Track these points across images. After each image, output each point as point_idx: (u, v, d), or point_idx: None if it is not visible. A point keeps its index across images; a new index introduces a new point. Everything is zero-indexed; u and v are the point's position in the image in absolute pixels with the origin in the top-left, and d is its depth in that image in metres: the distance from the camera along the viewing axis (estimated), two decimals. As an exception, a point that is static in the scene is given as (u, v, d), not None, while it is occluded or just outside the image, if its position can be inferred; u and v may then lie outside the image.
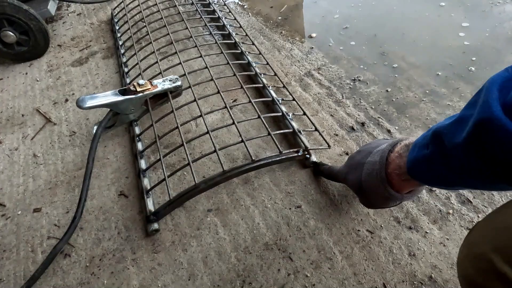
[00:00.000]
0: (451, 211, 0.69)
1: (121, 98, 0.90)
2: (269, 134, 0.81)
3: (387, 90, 0.95)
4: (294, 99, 0.94)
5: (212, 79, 0.96)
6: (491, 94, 0.31)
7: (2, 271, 0.77)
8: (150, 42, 1.18)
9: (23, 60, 1.41)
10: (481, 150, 0.32)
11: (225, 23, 1.25)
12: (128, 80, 1.15)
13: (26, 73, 1.36)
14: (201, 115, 0.87)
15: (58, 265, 0.76)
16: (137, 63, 1.12)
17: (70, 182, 0.92)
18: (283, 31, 1.24)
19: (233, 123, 0.83)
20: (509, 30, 1.04)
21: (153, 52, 1.12)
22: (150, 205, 0.79)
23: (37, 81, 1.31)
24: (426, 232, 0.67)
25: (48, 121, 1.12)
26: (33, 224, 0.85)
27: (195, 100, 0.90)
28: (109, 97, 0.89)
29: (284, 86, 0.99)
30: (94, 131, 0.92)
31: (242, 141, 0.79)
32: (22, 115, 1.17)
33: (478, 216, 0.67)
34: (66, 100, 1.18)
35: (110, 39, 1.43)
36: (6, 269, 0.78)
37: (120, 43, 1.32)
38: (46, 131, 1.09)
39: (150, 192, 0.81)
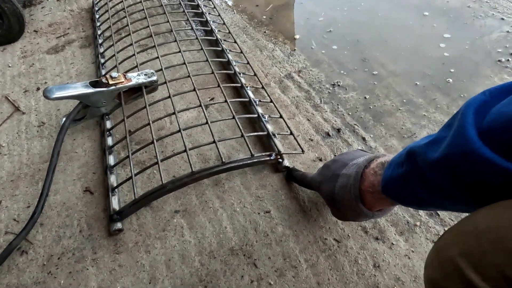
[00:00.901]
0: (418, 223, 0.69)
1: (91, 90, 0.86)
2: (242, 136, 0.79)
3: (365, 97, 0.94)
4: (271, 101, 0.93)
5: (189, 76, 0.94)
6: (466, 118, 0.31)
7: (-47, 267, 0.73)
8: (129, 34, 1.14)
9: (-5, 44, 1.35)
10: (453, 172, 0.33)
11: (208, 18, 1.22)
12: (103, 72, 1.11)
13: (-2, 58, 1.30)
14: (174, 113, 0.84)
15: (14, 263, 0.73)
16: (114, 55, 1.09)
17: (34, 175, 0.88)
18: (266, 31, 1.23)
19: (207, 122, 0.81)
20: (488, 43, 1.05)
21: (131, 44, 1.09)
22: (115, 204, 0.76)
23: (9, 67, 1.25)
24: (392, 244, 0.67)
25: (16, 109, 1.08)
26: (-9, 217, 0.81)
27: (169, 97, 0.88)
28: (79, 88, 0.86)
29: (262, 87, 0.97)
30: (62, 123, 0.89)
31: (214, 141, 0.77)
32: (-10, 102, 1.12)
33: (445, 229, 0.67)
34: (38, 89, 1.14)
35: (89, 28, 1.38)
36: (-42, 264, 0.74)
37: (99, 32, 1.28)
38: (13, 120, 1.04)
39: (116, 189, 0.78)
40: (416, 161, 0.38)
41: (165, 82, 0.92)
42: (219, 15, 1.27)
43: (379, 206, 0.51)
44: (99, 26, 1.31)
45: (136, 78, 0.92)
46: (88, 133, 0.97)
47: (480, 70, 0.96)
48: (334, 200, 0.56)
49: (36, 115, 1.05)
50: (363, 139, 0.85)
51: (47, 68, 1.22)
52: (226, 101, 0.87)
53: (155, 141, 0.79)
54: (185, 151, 0.76)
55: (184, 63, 0.98)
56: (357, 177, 0.51)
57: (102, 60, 1.15)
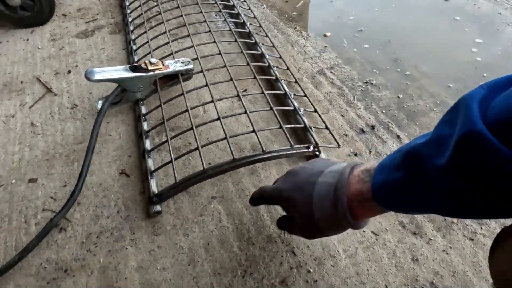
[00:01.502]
0: (455, 221, 0.70)
1: (131, 74, 0.87)
2: (281, 127, 0.80)
3: (398, 96, 0.95)
4: (306, 95, 0.94)
5: (225, 66, 0.95)
6: (472, 111, 0.30)
7: (-8, 240, 0.74)
8: (162, 22, 1.15)
9: (25, 26, 1.36)
10: (468, 170, 0.31)
11: (240, 11, 1.23)
12: (136, 58, 1.12)
13: (27, 40, 1.31)
14: (212, 101, 0.85)
15: (53, 239, 0.74)
16: (147, 42, 1.10)
17: (69, 155, 0.89)
18: (297, 27, 1.24)
19: (245, 112, 0.82)
20: (520, 51, 1.06)
21: (164, 32, 1.10)
22: (154, 187, 0.77)
23: (39, 49, 1.26)
24: (430, 239, 0.68)
25: (48, 91, 1.09)
26: (28, 194, 0.82)
27: (206, 85, 0.89)
28: (120, 72, 0.87)
29: (296, 81, 0.98)
30: (100, 106, 0.90)
31: (254, 131, 0.78)
32: (21, 82, 1.13)
33: (481, 228, 0.69)
34: (69, 72, 1.15)
35: (118, 15, 1.39)
36: (-3, 238, 0.75)
37: (130, 20, 1.29)
38: (46, 101, 1.05)
39: (154, 173, 0.79)
40: (420, 165, 0.35)
41: (202, 71, 0.93)
42: (249, 8, 1.28)
43: (367, 215, 0.47)
44: (130, 13, 1.32)
45: (173, 65, 0.93)
46: (121, 117, 0.98)
47: None
48: (311, 211, 0.48)
49: (68, 97, 1.06)
50: (398, 137, 0.86)
51: (77, 52, 1.23)
52: (262, 92, 0.88)
53: (194, 127, 0.80)
54: (225, 138, 0.77)
55: (220, 53, 0.99)
56: (342, 185, 0.45)
57: (134, 47, 1.16)
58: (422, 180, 0.35)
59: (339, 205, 0.45)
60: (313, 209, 0.48)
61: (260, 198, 0.61)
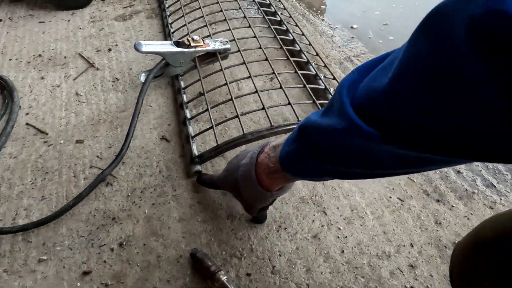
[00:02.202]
0: (476, 191, 0.75)
1: (176, 49, 0.94)
2: (314, 102, 0.86)
3: (422, 83, 1.01)
4: (334, 78, 1.00)
5: (260, 47, 1.01)
6: (343, 98, 0.35)
7: (44, 190, 0.81)
8: (198, 8, 1.22)
9: (66, 8, 1.44)
10: (342, 144, 0.37)
11: (271, 2, 1.30)
12: (173, 40, 1.19)
13: (69, 20, 1.39)
14: (250, 76, 0.92)
15: (100, 192, 0.80)
16: (185, 25, 1.17)
17: (113, 121, 0.96)
18: (325, 19, 1.30)
19: (281, 87, 0.89)
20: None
21: (201, 16, 1.17)
22: (195, 149, 0.83)
23: (80, 29, 1.34)
24: (453, 206, 0.73)
25: (91, 65, 1.16)
26: (76, 153, 0.89)
27: (244, 63, 0.96)
28: (166, 46, 0.94)
29: (325, 66, 1.05)
30: (142, 79, 0.97)
31: (290, 103, 0.84)
32: (65, 57, 1.20)
33: (501, 199, 0.74)
34: (109, 50, 1.22)
35: (154, 2, 1.47)
36: (49, 188, 0.81)
37: (166, 5, 1.36)
38: (88, 74, 1.13)
39: (194, 138, 0.86)
40: (309, 137, 0.41)
41: (239, 50, 1.00)
42: (279, 0, 1.36)
43: (276, 185, 0.55)
44: (166, 1, 1.40)
45: (213, 43, 1.00)
46: (160, 91, 1.04)
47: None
48: (238, 189, 0.60)
49: (110, 72, 1.13)
50: (422, 118, 0.92)
51: (116, 33, 1.31)
52: (296, 72, 0.95)
53: (233, 98, 0.87)
54: (263, 108, 0.83)
55: (255, 36, 1.05)
56: (252, 162, 0.55)
57: (172, 30, 1.24)
58: (311, 149, 0.43)
59: (250, 178, 0.55)
60: (240, 189, 0.59)
61: (208, 185, 0.77)
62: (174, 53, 0.95)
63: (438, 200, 0.74)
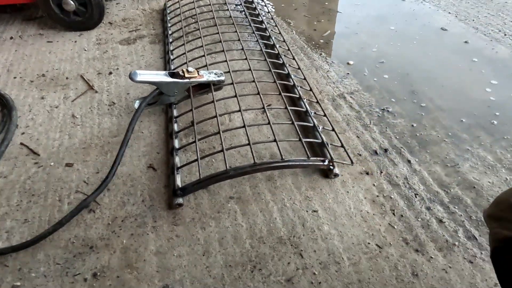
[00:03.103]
0: (457, 243, 0.74)
1: (169, 79, 0.97)
2: (300, 140, 0.87)
3: (412, 125, 1.01)
4: (325, 115, 1.01)
5: (253, 81, 1.03)
6: None
7: (28, 213, 0.82)
8: (199, 37, 1.26)
9: (74, 29, 1.50)
10: None
11: (271, 34, 1.33)
12: (172, 67, 1.22)
13: (75, 42, 1.44)
14: (239, 110, 0.93)
15: (82, 218, 0.81)
16: (184, 53, 1.20)
17: (104, 146, 0.98)
18: (322, 53, 1.32)
19: (268, 123, 0.90)
20: (533, 95, 1.11)
21: (201, 46, 1.20)
22: (178, 181, 0.84)
23: (85, 50, 1.39)
24: (431, 257, 0.72)
25: (90, 88, 1.19)
26: (64, 176, 0.90)
27: (235, 96, 0.97)
28: (160, 76, 0.96)
29: (317, 102, 1.06)
30: (137, 105, 0.99)
31: (275, 140, 0.85)
32: (67, 78, 1.24)
33: (482, 253, 0.72)
34: (110, 73, 1.26)
35: (159, 27, 1.52)
36: (33, 211, 0.82)
37: (169, 32, 1.40)
38: (87, 97, 1.16)
39: (179, 169, 0.87)
40: None
41: (232, 83, 1.02)
42: (279, 32, 1.38)
43: None
44: (170, 27, 1.44)
45: (207, 75, 1.02)
46: (154, 118, 1.06)
47: (523, 118, 1.03)
48: None
49: (108, 95, 1.16)
50: (409, 161, 0.91)
51: (119, 56, 1.35)
52: (286, 107, 0.96)
53: (221, 131, 0.88)
54: (248, 144, 0.84)
55: (250, 69, 1.07)
56: None
57: (172, 57, 1.27)
58: None
59: None
60: None
61: None
62: (168, 83, 0.97)
63: (417, 250, 0.73)
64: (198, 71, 1.01)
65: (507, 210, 0.42)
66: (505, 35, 1.39)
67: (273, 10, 1.63)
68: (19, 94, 1.17)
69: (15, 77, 1.25)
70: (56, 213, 0.82)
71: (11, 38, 1.47)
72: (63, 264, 0.73)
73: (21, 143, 0.99)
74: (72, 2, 1.40)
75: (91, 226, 0.79)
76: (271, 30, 1.38)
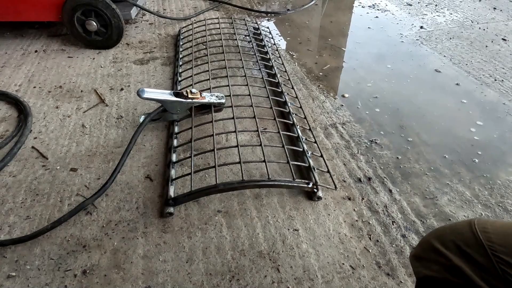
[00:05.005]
0: (427, 271, 0.77)
1: (174, 98, 1.05)
2: (288, 162, 0.93)
3: (397, 157, 1.07)
4: (316, 142, 1.07)
5: (251, 106, 1.11)
6: None
7: (31, 211, 0.89)
8: (206, 62, 1.36)
9: (94, 47, 1.62)
10: None
11: (274, 64, 1.43)
12: (179, 87, 1.32)
13: (93, 58, 1.56)
14: (235, 131, 1.00)
15: (79, 219, 0.87)
16: (191, 76, 1.30)
17: (107, 155, 1.06)
18: (320, 85, 1.41)
19: (260, 144, 0.96)
20: (517, 138, 1.16)
21: (207, 71, 1.30)
22: (171, 192, 0.90)
23: (101, 67, 1.50)
24: (401, 282, 0.75)
25: (101, 101, 1.29)
26: (67, 180, 0.97)
27: (233, 118, 1.05)
28: (165, 95, 1.05)
29: (310, 129, 1.13)
30: (142, 119, 1.07)
31: (264, 161, 0.91)
32: (81, 91, 1.34)
33: (450, 281, 0.75)
34: (122, 89, 1.35)
35: (171, 51, 1.63)
36: (35, 209, 0.89)
37: (180, 56, 1.51)
38: (98, 109, 1.25)
39: (174, 181, 0.93)
40: None
41: (231, 106, 1.10)
42: (282, 63, 1.48)
43: None
44: (181, 51, 1.56)
45: (209, 97, 1.10)
46: (156, 133, 1.14)
47: (506, 158, 1.07)
48: None
49: (117, 109, 1.25)
50: (390, 191, 0.96)
51: (131, 75, 1.45)
52: (279, 132, 1.03)
53: (215, 149, 0.95)
54: (239, 162, 0.91)
55: (249, 95, 1.16)
56: None
57: (179, 78, 1.37)
58: None
59: None
60: None
61: None
62: (172, 102, 1.06)
63: (388, 274, 0.77)
64: (201, 93, 1.10)
65: (428, 251, 0.44)
66: (495, 80, 1.46)
67: (279, 42, 1.74)
68: (36, 102, 1.27)
69: (34, 87, 1.36)
70: (56, 212, 0.89)
71: (36, 51, 1.60)
72: (56, 259, 0.78)
73: (33, 147, 1.08)
74: (94, 23, 1.53)
75: (87, 227, 0.86)
76: (274, 61, 1.48)
